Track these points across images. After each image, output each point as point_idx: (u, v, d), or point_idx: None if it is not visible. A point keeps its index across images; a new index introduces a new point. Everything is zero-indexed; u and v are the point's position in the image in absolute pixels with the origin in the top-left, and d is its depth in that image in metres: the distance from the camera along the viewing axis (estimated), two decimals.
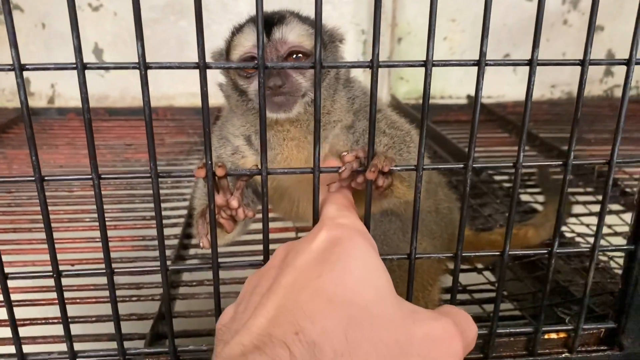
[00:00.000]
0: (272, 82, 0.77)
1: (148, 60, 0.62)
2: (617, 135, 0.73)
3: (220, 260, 0.75)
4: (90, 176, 0.68)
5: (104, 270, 0.73)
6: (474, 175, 1.69)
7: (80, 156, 2.08)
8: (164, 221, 1.47)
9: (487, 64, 0.68)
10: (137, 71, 0.63)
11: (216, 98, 3.15)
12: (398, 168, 0.72)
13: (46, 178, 0.67)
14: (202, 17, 0.62)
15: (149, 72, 0.63)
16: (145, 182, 1.82)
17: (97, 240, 1.39)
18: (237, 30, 0.85)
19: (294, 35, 0.81)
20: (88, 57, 2.58)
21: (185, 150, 2.19)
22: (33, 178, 0.66)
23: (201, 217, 0.77)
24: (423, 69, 0.66)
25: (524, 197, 1.65)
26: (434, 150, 2.10)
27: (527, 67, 0.69)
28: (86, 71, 0.62)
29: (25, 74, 0.62)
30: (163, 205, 1.64)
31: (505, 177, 1.81)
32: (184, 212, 1.58)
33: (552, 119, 2.58)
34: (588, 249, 0.79)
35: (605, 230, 1.51)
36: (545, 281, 0.79)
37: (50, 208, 0.70)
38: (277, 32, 0.80)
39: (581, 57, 0.69)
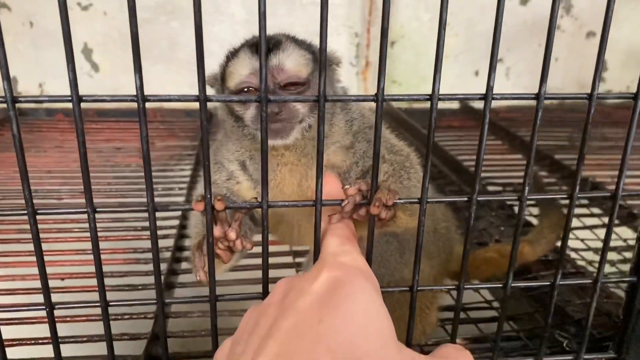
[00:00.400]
0: (269, 109, 0.75)
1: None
2: (623, 168, 0.72)
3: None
4: (85, 210, 0.65)
5: (99, 304, 0.71)
6: (469, 187, 1.68)
7: (69, 160, 2.05)
8: (159, 232, 1.45)
9: (494, 98, 0.67)
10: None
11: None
12: (402, 201, 0.70)
13: (39, 211, 0.65)
14: (202, 51, 0.60)
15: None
16: (138, 189, 1.80)
17: (88, 252, 1.36)
18: (232, 55, 0.82)
19: (292, 63, 0.78)
20: (77, 57, 2.54)
21: (176, 154, 2.16)
22: (25, 212, 0.64)
23: (198, 249, 0.75)
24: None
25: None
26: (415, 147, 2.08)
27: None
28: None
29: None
30: (157, 214, 1.62)
31: (499, 188, 1.80)
32: (176, 222, 1.56)
33: (544, 125, 2.56)
34: (591, 282, 0.78)
35: (599, 244, 1.51)
36: (547, 314, 0.78)
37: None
38: (274, 59, 0.78)
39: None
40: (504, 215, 1.57)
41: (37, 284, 1.28)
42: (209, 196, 0.66)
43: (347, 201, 0.69)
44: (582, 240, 1.48)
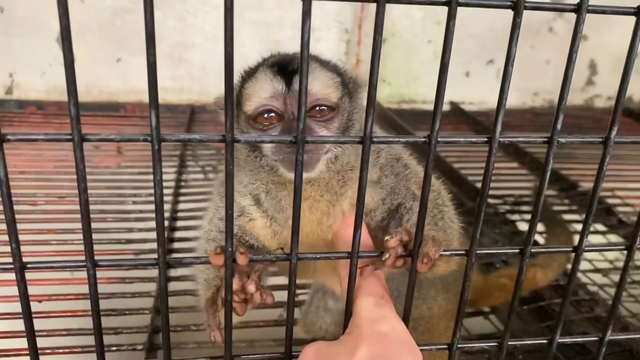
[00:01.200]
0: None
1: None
2: None
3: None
4: (84, 264, 0.55)
5: None
6: (472, 201, 1.62)
7: (44, 160, 1.91)
8: (143, 246, 1.34)
9: (558, 141, 0.59)
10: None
11: (189, 93, 2.93)
12: (447, 253, 0.63)
13: (28, 266, 0.55)
14: (232, 87, 0.50)
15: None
16: (119, 196, 1.69)
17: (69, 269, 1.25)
18: (249, 75, 0.72)
19: (319, 86, 0.69)
20: (52, 47, 2.40)
21: None
22: (12, 266, 0.54)
23: (211, 305, 0.66)
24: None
25: (522, 226, 1.58)
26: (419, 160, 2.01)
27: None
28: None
29: None
30: (140, 225, 1.51)
31: (500, 201, 1.74)
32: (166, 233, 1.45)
33: (537, 130, 2.52)
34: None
35: (606, 265, 1.46)
36: None
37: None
38: (298, 83, 0.69)
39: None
40: (509, 232, 1.51)
41: (11, 306, 1.16)
42: (230, 249, 0.56)
43: (388, 254, 0.61)
44: (590, 261, 1.42)
